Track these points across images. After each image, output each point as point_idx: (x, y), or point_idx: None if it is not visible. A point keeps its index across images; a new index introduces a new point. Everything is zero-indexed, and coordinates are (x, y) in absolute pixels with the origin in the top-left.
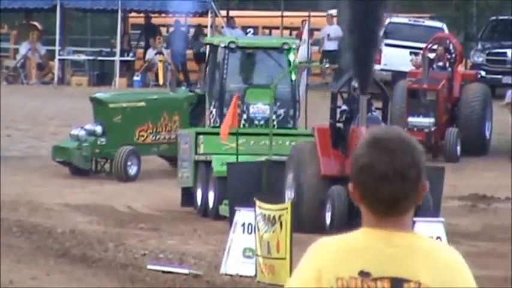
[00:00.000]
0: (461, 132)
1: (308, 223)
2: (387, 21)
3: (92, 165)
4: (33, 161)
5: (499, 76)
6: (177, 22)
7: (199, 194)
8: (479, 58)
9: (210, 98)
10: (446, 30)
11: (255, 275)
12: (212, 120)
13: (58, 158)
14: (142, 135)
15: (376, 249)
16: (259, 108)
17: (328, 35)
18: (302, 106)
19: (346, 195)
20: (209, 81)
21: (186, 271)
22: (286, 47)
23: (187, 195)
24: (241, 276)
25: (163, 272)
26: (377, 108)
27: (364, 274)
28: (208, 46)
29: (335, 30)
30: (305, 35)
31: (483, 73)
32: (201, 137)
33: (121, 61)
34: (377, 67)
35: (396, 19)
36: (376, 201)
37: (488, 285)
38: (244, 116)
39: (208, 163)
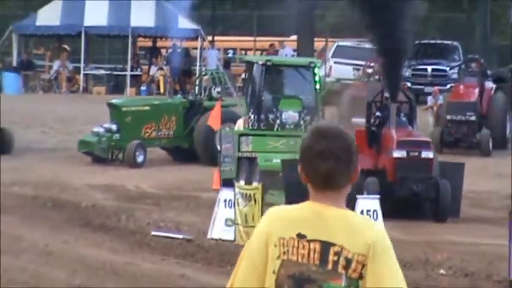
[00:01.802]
0: None
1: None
2: (335, 44)
3: (108, 155)
4: (63, 152)
5: (422, 86)
6: (174, 45)
7: (241, 183)
8: (407, 73)
9: (248, 106)
10: None
11: (234, 239)
12: (251, 124)
13: (82, 150)
14: (148, 132)
15: (312, 218)
16: (290, 115)
17: (286, 55)
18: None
19: (379, 184)
20: (248, 92)
21: (181, 236)
22: (312, 65)
23: (228, 185)
24: (223, 240)
25: (164, 237)
26: (405, 114)
27: (300, 236)
28: (246, 63)
29: (289, 51)
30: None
31: (409, 84)
32: (247, 137)
33: (131, 75)
34: (328, 79)
35: (342, 43)
36: (315, 176)
37: None
38: (278, 121)
39: (251, 159)
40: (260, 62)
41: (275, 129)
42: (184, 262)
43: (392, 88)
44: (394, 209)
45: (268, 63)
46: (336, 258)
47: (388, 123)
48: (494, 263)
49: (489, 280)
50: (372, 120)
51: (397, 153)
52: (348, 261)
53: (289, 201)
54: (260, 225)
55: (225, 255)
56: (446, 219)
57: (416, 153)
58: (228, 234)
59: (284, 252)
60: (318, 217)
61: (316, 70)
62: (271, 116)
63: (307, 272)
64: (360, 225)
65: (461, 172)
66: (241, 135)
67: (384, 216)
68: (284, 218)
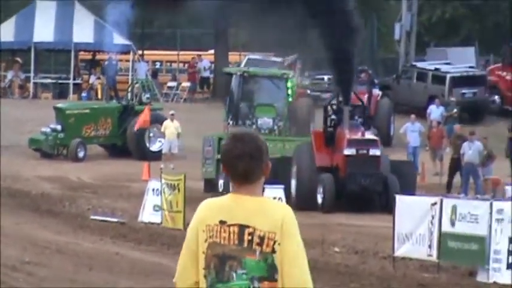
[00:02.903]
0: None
1: (305, 202)
2: (247, 57)
3: (54, 151)
4: (16, 148)
5: (319, 93)
6: (110, 58)
7: (220, 183)
8: (307, 81)
9: (228, 112)
10: (285, 63)
11: (161, 223)
12: (230, 129)
13: (32, 146)
14: (87, 131)
15: (232, 207)
16: (265, 121)
17: (204, 67)
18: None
19: (333, 180)
20: (228, 100)
21: (115, 220)
22: (285, 76)
23: (210, 185)
24: (151, 223)
25: (101, 220)
26: (358, 117)
27: (222, 222)
28: (226, 74)
29: (207, 63)
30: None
31: (308, 91)
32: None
33: (73, 83)
34: None
35: (252, 56)
36: (235, 173)
37: None
38: (254, 127)
39: None
40: (238, 73)
41: None
42: (119, 242)
43: (345, 93)
44: (348, 202)
45: (245, 74)
46: (250, 237)
47: (342, 124)
48: (380, 243)
49: (376, 256)
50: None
51: (348, 151)
52: (261, 239)
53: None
54: (194, 215)
55: (153, 236)
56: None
57: (365, 151)
58: (155, 218)
59: (210, 236)
60: (237, 205)
61: (288, 80)
62: (247, 122)
63: (228, 251)
64: (270, 207)
65: (412, 168)
66: (220, 139)
67: (339, 208)
68: (211, 208)
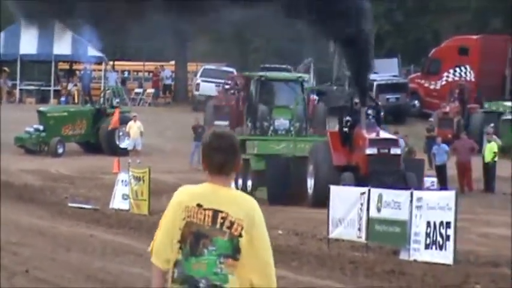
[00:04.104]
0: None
1: (322, 200)
2: (203, 67)
3: (37, 148)
4: (3, 146)
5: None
6: (85, 68)
7: (239, 182)
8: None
9: (246, 114)
10: (235, 72)
11: (129, 209)
12: (249, 131)
13: (18, 144)
14: (66, 131)
15: (208, 193)
16: (282, 122)
17: (166, 76)
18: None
19: (354, 179)
20: (246, 103)
21: (90, 207)
22: (300, 79)
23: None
24: (121, 210)
25: (77, 207)
26: (373, 117)
27: (199, 205)
28: (244, 78)
29: (168, 72)
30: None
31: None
32: (253, 142)
33: (54, 90)
34: (196, 93)
35: (208, 66)
36: (211, 165)
37: None
38: (271, 128)
39: (245, 161)
40: (255, 78)
41: (268, 134)
42: (92, 226)
43: (361, 95)
44: None
45: (263, 78)
46: (222, 221)
47: (359, 124)
48: (317, 226)
49: (313, 238)
50: (343, 123)
51: (370, 151)
52: (232, 223)
53: (271, 192)
54: (173, 198)
55: (122, 221)
56: None
57: (386, 150)
58: (124, 205)
59: (188, 216)
60: (212, 193)
61: (303, 83)
62: (265, 124)
63: (203, 230)
64: (242, 199)
65: (421, 167)
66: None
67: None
68: (190, 193)
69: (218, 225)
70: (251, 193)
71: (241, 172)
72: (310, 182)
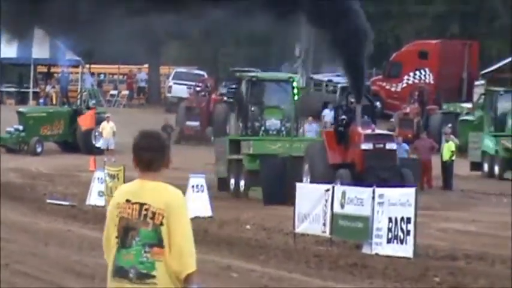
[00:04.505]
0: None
1: None
2: (175, 70)
3: (17, 147)
4: None
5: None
6: (63, 71)
7: (232, 182)
8: (224, 90)
9: (237, 115)
10: (206, 75)
11: (104, 205)
12: (240, 131)
13: None
14: (44, 131)
15: (136, 189)
16: (273, 122)
17: (141, 78)
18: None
19: (350, 175)
20: (237, 104)
21: (67, 203)
22: (291, 79)
23: (224, 183)
24: (97, 206)
25: (55, 204)
26: (368, 115)
27: (128, 201)
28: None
29: (144, 75)
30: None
31: (226, 98)
32: (248, 142)
33: (33, 92)
34: (168, 95)
35: (179, 69)
36: (141, 162)
37: None
38: (263, 128)
39: (239, 161)
40: (246, 78)
41: (260, 135)
42: (70, 221)
43: (357, 93)
44: None
45: (254, 78)
46: (146, 212)
47: (354, 122)
48: (284, 222)
49: (280, 232)
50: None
51: (365, 146)
52: (153, 214)
53: (266, 192)
54: (113, 197)
55: (98, 216)
56: None
57: (382, 145)
58: (100, 201)
59: (120, 212)
60: (140, 188)
61: (294, 83)
62: (256, 124)
63: (131, 223)
64: (163, 191)
65: (417, 166)
66: (231, 140)
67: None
68: (121, 191)
69: (142, 217)
70: (244, 193)
71: (233, 172)
72: (306, 181)
